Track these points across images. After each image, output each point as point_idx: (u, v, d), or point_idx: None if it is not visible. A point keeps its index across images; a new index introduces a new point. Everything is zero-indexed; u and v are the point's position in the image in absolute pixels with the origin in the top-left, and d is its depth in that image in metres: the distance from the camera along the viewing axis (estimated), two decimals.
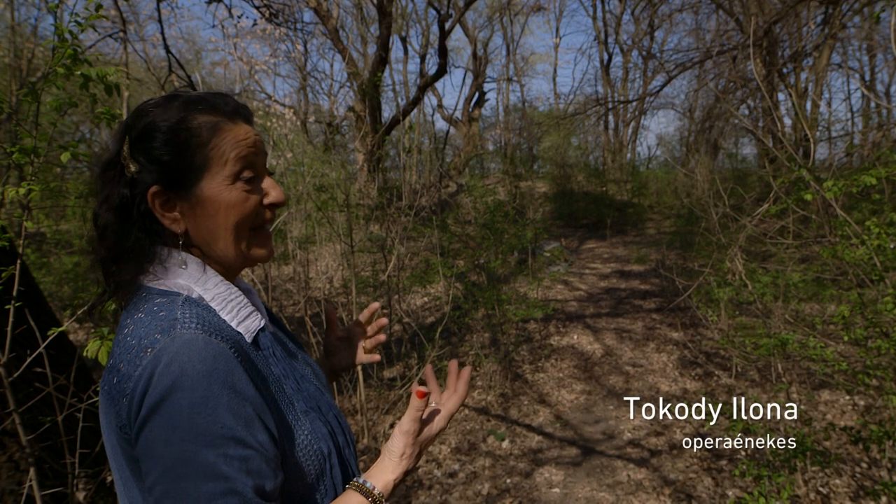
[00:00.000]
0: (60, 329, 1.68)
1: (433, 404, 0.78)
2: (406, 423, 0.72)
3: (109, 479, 1.99)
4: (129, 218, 0.68)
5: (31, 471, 1.61)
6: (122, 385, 0.58)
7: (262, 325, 0.71)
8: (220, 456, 0.55)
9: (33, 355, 1.64)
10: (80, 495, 1.90)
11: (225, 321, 0.66)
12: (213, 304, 0.68)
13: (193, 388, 0.55)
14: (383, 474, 0.70)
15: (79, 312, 2.17)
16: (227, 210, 0.71)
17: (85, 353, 1.48)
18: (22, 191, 1.49)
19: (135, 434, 0.57)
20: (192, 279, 0.68)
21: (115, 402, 0.59)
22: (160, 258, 0.68)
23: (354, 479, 0.69)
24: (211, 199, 0.70)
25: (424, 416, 0.74)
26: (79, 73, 1.51)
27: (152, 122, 0.68)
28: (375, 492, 0.67)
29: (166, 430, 0.55)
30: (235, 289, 0.72)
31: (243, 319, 0.69)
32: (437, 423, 0.76)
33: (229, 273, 0.74)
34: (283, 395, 0.68)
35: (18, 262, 1.63)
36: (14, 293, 1.57)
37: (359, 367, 3.15)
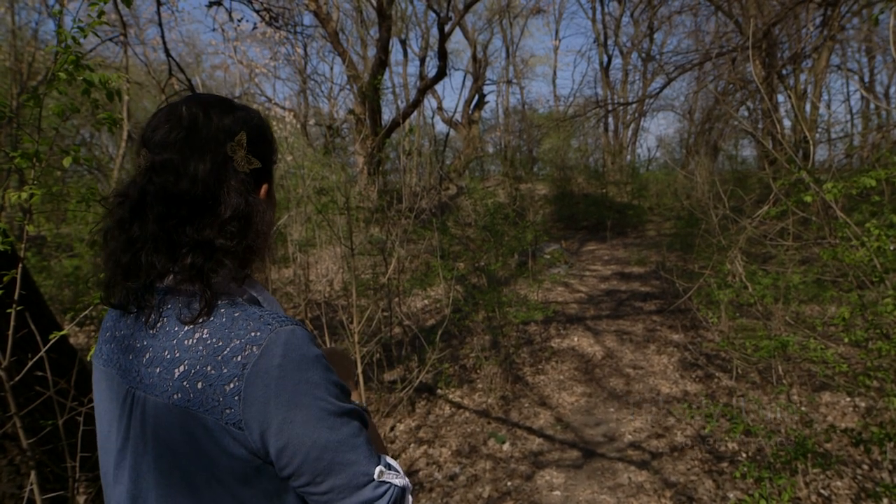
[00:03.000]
0: (62, 333, 1.69)
1: None
2: None
3: None
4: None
5: (32, 474, 1.61)
6: (220, 384, 0.60)
7: None
8: (348, 402, 0.68)
9: (34, 359, 1.65)
10: (81, 499, 1.90)
11: None
12: (263, 303, 0.71)
13: (317, 364, 0.63)
14: None
15: (80, 315, 2.17)
16: (274, 207, 0.78)
17: (88, 358, 1.48)
18: (24, 195, 1.49)
19: (271, 418, 0.60)
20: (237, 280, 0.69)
21: (204, 405, 0.60)
22: None
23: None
24: (273, 196, 0.76)
25: None
26: (81, 78, 1.51)
27: (257, 123, 0.72)
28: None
29: (317, 397, 0.62)
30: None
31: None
32: None
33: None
34: None
35: (20, 265, 1.64)
36: (15, 297, 1.58)
37: (359, 371, 3.15)
